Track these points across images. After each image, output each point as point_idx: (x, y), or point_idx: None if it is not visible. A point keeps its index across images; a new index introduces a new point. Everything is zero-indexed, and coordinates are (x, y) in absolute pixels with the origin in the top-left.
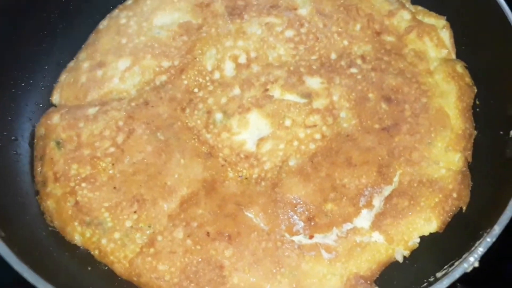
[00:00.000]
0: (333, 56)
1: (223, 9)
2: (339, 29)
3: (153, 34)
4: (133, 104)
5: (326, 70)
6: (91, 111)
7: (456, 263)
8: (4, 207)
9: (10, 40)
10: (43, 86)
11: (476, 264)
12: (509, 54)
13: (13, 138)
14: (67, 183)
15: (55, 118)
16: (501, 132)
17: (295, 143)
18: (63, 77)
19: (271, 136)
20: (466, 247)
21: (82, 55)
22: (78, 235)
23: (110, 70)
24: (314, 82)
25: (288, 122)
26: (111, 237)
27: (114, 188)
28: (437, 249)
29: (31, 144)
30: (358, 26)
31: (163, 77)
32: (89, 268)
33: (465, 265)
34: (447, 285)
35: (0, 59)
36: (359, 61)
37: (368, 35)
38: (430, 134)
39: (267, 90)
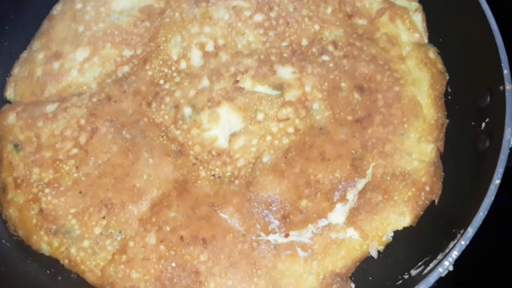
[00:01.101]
0: (304, 42)
1: None
2: (310, 13)
3: (112, 20)
4: (94, 99)
5: (298, 58)
6: (50, 108)
7: (431, 265)
8: None
9: None
10: None
11: (451, 268)
12: (480, 41)
13: None
14: (29, 190)
15: (10, 117)
16: (473, 123)
17: (268, 138)
18: (16, 69)
19: (244, 131)
20: (439, 243)
21: (35, 44)
22: (45, 244)
23: (67, 61)
24: (285, 72)
25: (260, 116)
26: (81, 245)
27: (80, 192)
28: (411, 243)
29: None
30: (329, 9)
31: (126, 68)
32: (60, 278)
33: (440, 269)
34: None
35: None
36: (330, 48)
37: (340, 19)
38: (403, 124)
39: (237, 81)
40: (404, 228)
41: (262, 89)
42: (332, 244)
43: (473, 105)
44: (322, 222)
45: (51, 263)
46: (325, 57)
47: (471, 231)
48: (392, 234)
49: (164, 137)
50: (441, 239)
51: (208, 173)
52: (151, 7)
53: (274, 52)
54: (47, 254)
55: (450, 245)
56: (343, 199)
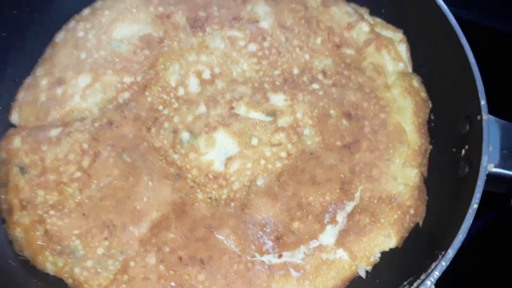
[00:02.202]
0: (296, 71)
1: (184, 20)
2: (301, 43)
3: (113, 48)
4: (96, 124)
5: (289, 86)
6: (54, 132)
7: (415, 284)
8: None
9: None
10: None
11: (433, 287)
12: (460, 72)
13: None
14: (34, 211)
15: (16, 142)
16: (454, 149)
17: (262, 162)
18: (21, 95)
19: (239, 156)
20: (423, 263)
21: (39, 70)
22: (50, 264)
23: (70, 87)
24: (278, 99)
25: (254, 141)
26: (84, 265)
27: (83, 214)
28: (397, 264)
29: None
30: (318, 40)
31: (126, 94)
32: None
33: None
34: None
35: None
36: (320, 76)
37: (329, 49)
38: (389, 150)
39: (232, 108)
40: (390, 249)
41: (256, 115)
42: (323, 264)
43: (454, 132)
44: (314, 243)
45: (56, 283)
46: (315, 85)
47: (451, 252)
48: (379, 255)
49: (163, 161)
50: (424, 259)
51: (205, 195)
52: (150, 36)
53: (267, 80)
54: (52, 273)
55: (432, 266)
56: (333, 221)
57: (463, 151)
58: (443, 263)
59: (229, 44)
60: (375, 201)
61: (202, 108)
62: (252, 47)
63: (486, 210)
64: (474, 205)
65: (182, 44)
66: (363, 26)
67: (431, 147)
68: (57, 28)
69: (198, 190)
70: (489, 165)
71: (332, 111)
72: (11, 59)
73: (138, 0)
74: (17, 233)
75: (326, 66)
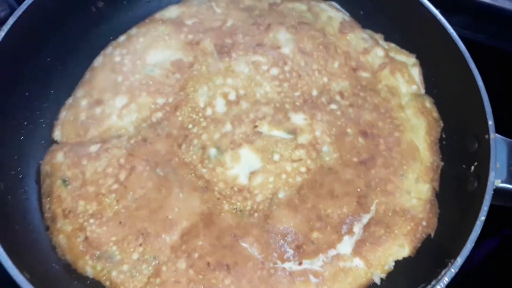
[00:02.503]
0: (315, 92)
1: (212, 47)
2: (319, 67)
3: (147, 72)
4: (132, 141)
5: (309, 106)
6: (93, 148)
7: None
8: (22, 248)
9: (13, 82)
10: (44, 123)
11: None
12: (469, 94)
13: (21, 176)
14: (75, 220)
15: (59, 156)
16: (464, 166)
17: (283, 176)
18: (62, 114)
19: (262, 170)
20: (433, 271)
21: (79, 92)
22: (89, 268)
23: (107, 107)
24: (298, 119)
25: (276, 157)
26: (120, 269)
27: (120, 223)
28: (409, 272)
29: (37, 181)
30: (336, 64)
31: (159, 114)
32: None
33: None
34: None
35: (6, 101)
36: (338, 97)
37: (346, 72)
38: (403, 166)
39: (256, 126)
40: (404, 258)
41: (278, 133)
42: (340, 272)
43: (464, 150)
44: (332, 252)
45: (94, 285)
46: (333, 106)
47: (460, 260)
48: (393, 263)
49: (193, 174)
50: (435, 267)
51: (231, 206)
52: (181, 61)
53: (288, 101)
54: (91, 276)
55: (442, 273)
56: (350, 232)
57: (472, 168)
58: (452, 270)
59: (253, 68)
60: (390, 214)
61: (228, 127)
62: (274, 71)
63: (503, 227)
64: (482, 217)
65: (210, 68)
66: (378, 51)
67: (442, 163)
68: (96, 54)
69: (224, 202)
70: (496, 180)
71: (349, 130)
72: (54, 82)
73: (170, 28)
74: (60, 239)
75: (343, 88)
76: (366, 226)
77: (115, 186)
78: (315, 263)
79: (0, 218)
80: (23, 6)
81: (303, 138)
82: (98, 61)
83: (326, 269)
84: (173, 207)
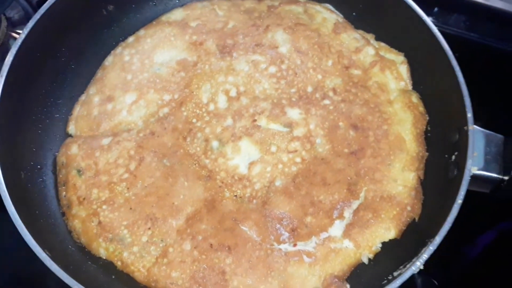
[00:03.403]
0: (309, 89)
1: (215, 47)
2: (314, 65)
3: (155, 70)
4: (141, 134)
5: (304, 102)
6: (105, 141)
7: (408, 265)
8: (41, 230)
9: (32, 81)
10: (59, 118)
11: (421, 267)
12: (451, 90)
13: (39, 167)
14: (90, 206)
15: (73, 149)
16: (446, 156)
17: (280, 166)
18: (76, 109)
19: (260, 161)
20: (416, 250)
21: (92, 89)
22: (103, 249)
23: (118, 103)
24: (294, 113)
25: (273, 148)
26: (131, 250)
27: (130, 209)
28: (394, 252)
29: (54, 172)
30: (330, 62)
31: (166, 109)
32: (113, 277)
33: (413, 268)
34: (399, 283)
35: (26, 99)
36: (331, 93)
37: (338, 70)
38: (390, 156)
39: (255, 120)
40: (390, 240)
41: (275, 126)
42: (332, 252)
43: (447, 141)
44: (324, 235)
45: (107, 265)
46: (326, 101)
47: (438, 239)
48: (380, 244)
49: (197, 165)
50: (418, 247)
51: (232, 194)
52: (186, 60)
53: (284, 97)
54: (103, 257)
55: (422, 251)
56: (340, 216)
57: (453, 157)
58: (431, 248)
59: (253, 67)
60: (377, 200)
61: (229, 121)
62: (272, 69)
63: (499, 222)
64: (459, 201)
65: (213, 67)
66: (369, 50)
67: (427, 153)
68: (107, 53)
69: (225, 189)
70: (473, 168)
71: (341, 123)
72: (68, 80)
73: (176, 30)
74: (75, 224)
75: (336, 84)
76: (356, 211)
77: (126, 175)
78: (309, 245)
79: (22, 204)
80: (41, 11)
81: (299, 131)
82: (109, 60)
83: (318, 250)
84: (179, 194)
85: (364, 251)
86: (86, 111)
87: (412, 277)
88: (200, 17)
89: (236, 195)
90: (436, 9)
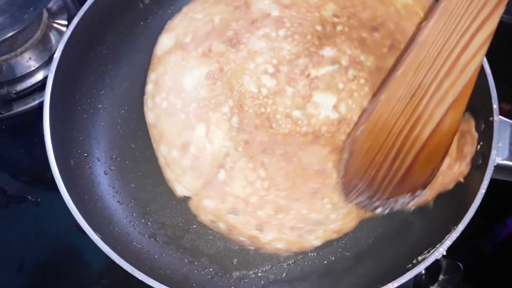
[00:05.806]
0: (319, 27)
1: (223, 46)
2: (305, 7)
3: (195, 96)
4: (240, 149)
5: (325, 39)
6: (221, 177)
7: (432, 251)
8: (91, 213)
9: (78, 74)
10: (101, 108)
11: (444, 253)
12: (479, 81)
13: (85, 155)
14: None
15: (207, 203)
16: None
17: (355, 94)
18: (167, 172)
19: (340, 100)
20: (440, 237)
21: (163, 148)
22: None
23: (195, 143)
24: (327, 52)
25: (341, 85)
26: None
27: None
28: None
29: (99, 159)
30: None
31: (234, 119)
32: (156, 257)
33: (436, 253)
34: (423, 268)
35: (74, 91)
36: (335, 19)
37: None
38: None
39: (308, 75)
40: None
41: (326, 69)
42: None
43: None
44: None
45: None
46: (339, 28)
47: (461, 227)
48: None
49: (301, 138)
50: (443, 235)
51: (345, 135)
52: (210, 71)
53: (308, 46)
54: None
55: (446, 237)
56: None
57: (478, 147)
58: (454, 235)
59: (266, 39)
60: None
61: (289, 90)
62: (281, 32)
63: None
64: (482, 190)
65: (237, 61)
66: None
67: None
68: (143, 45)
69: (338, 136)
70: (498, 158)
71: (363, 34)
72: (109, 71)
73: (179, 53)
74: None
75: (333, 10)
76: None
77: (265, 184)
78: None
79: (73, 189)
80: (85, 7)
81: (344, 61)
82: (151, 117)
83: None
84: (310, 164)
85: None
86: (180, 169)
87: (437, 260)
88: (186, 30)
89: (348, 133)
90: None
